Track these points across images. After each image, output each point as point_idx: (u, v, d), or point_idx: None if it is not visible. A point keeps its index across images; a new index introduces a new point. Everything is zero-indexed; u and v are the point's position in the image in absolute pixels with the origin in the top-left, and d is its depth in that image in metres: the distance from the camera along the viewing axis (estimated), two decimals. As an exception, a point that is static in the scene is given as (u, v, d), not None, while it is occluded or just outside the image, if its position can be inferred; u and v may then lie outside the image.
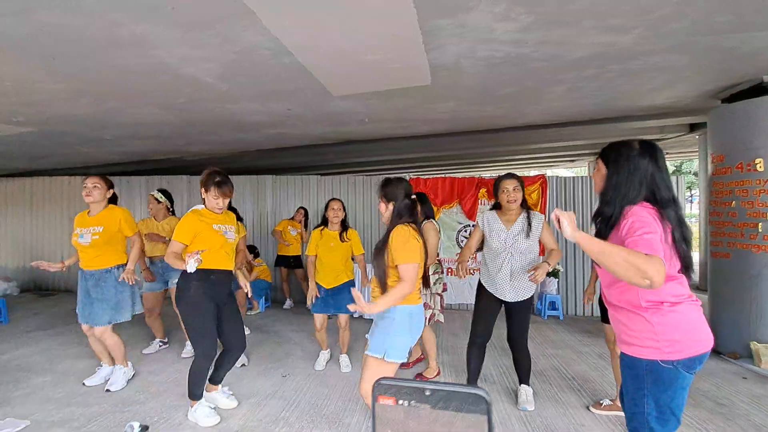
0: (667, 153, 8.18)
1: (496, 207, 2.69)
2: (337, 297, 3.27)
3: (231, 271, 2.57)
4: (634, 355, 1.35)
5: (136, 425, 0.90)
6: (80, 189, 7.96)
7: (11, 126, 3.61)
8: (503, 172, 2.77)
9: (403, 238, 1.84)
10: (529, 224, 2.57)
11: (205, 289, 2.41)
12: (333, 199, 3.32)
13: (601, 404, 2.68)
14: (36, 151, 4.97)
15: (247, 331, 4.36)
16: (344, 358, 3.47)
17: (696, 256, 9.68)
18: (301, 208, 5.65)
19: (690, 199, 21.09)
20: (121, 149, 5.01)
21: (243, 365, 3.46)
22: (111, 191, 2.98)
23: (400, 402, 0.31)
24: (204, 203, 2.52)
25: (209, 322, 2.44)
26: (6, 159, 5.48)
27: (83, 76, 2.53)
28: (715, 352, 3.73)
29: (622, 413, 2.53)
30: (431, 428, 0.30)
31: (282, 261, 5.59)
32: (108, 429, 2.44)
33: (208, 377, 2.60)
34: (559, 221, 1.27)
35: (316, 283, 3.29)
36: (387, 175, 2.04)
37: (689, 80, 3.30)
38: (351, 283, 3.33)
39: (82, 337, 4.27)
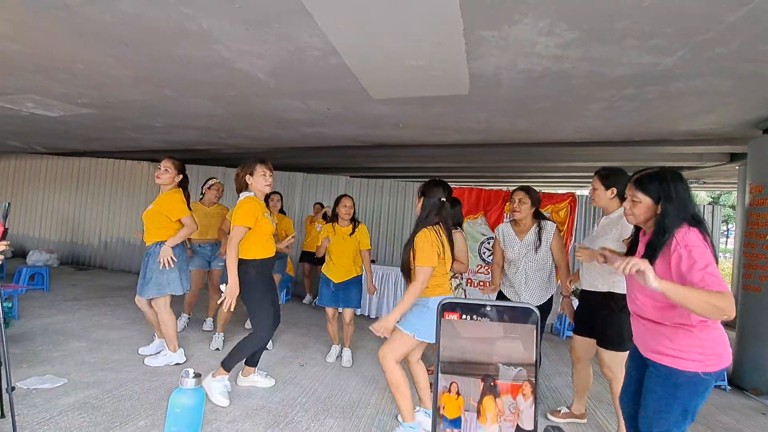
0: (704, 183, 7.91)
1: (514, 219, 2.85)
2: (346, 291, 3.39)
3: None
4: (677, 367, 1.45)
5: (191, 371, 1.01)
6: (123, 172, 8.38)
7: (74, 107, 3.92)
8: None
9: (425, 242, 2.06)
10: (539, 237, 2.69)
11: (265, 277, 2.61)
12: (344, 195, 3.40)
13: (559, 411, 2.75)
14: (90, 133, 5.33)
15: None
16: (347, 353, 3.53)
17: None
18: (317, 204, 5.77)
19: (726, 233, 20.16)
20: (167, 137, 5.31)
21: (267, 348, 3.62)
22: (180, 176, 3.04)
23: (464, 317, 0.39)
24: (250, 192, 2.61)
25: (270, 306, 2.62)
26: (63, 139, 5.90)
27: (148, 64, 2.75)
28: (738, 387, 3.63)
29: (580, 420, 2.67)
30: (490, 335, 0.38)
31: (306, 257, 5.74)
32: (137, 393, 2.60)
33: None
34: (637, 272, 1.28)
35: (326, 277, 3.39)
36: (419, 181, 2.28)
37: (730, 107, 3.26)
38: (359, 279, 3.45)
39: (116, 309, 4.54)
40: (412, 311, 2.14)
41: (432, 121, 3.99)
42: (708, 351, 1.45)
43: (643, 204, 1.53)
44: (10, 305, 3.83)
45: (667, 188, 1.49)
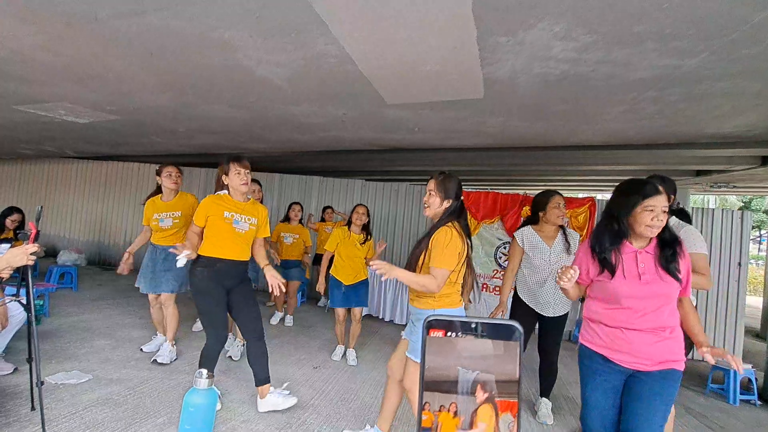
0: (734, 186, 7.60)
1: (532, 222, 2.70)
2: (356, 292, 3.61)
3: (241, 261, 2.49)
4: (681, 368, 1.52)
5: (204, 372, 1.04)
6: (147, 175, 8.63)
7: (103, 113, 4.10)
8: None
9: (446, 240, 1.82)
10: (568, 242, 2.65)
11: (211, 276, 2.39)
12: (360, 204, 3.63)
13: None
14: (118, 138, 5.55)
15: (290, 322, 4.63)
16: (351, 353, 3.70)
17: (758, 301, 8.83)
18: (328, 207, 5.80)
19: (759, 239, 19.26)
20: (189, 142, 5.47)
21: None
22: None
23: (449, 334, 0.40)
24: (227, 191, 2.49)
25: (217, 308, 2.42)
26: (92, 144, 6.16)
27: (172, 71, 2.85)
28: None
29: None
30: (474, 351, 0.39)
31: (320, 260, 5.80)
32: (156, 391, 2.69)
33: (215, 363, 2.46)
34: None
35: (337, 280, 3.57)
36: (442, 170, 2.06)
37: (760, 109, 3.12)
38: (366, 281, 3.70)
39: (138, 309, 4.70)
40: (417, 329, 1.96)
41: (447, 125, 3.97)
42: None
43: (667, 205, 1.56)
44: (41, 303, 4.03)
45: None
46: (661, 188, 1.54)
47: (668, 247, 1.53)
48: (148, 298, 3.38)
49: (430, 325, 0.40)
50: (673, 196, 2.15)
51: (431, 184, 1.97)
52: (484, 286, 5.17)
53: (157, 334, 3.50)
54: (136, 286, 3.34)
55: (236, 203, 2.47)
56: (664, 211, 1.51)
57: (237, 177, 2.43)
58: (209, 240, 2.42)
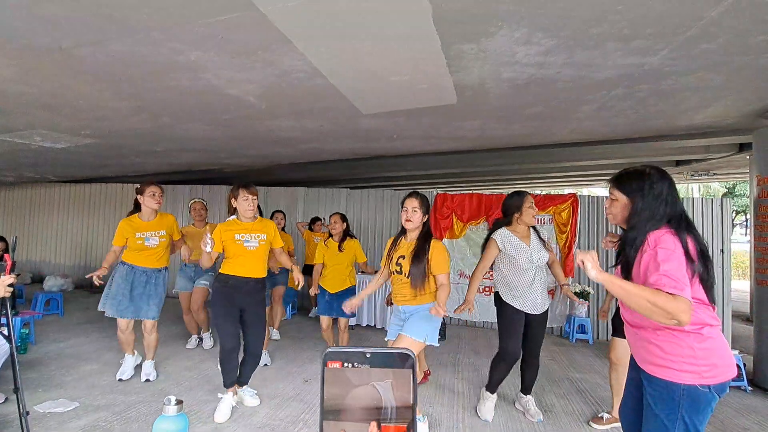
0: (714, 174, 7.73)
1: (506, 224, 2.70)
2: (340, 301, 3.44)
3: (254, 278, 2.71)
4: (671, 380, 1.34)
5: (173, 399, 1.04)
6: (131, 195, 8.54)
7: (79, 138, 4.07)
8: (535, 190, 2.85)
9: (445, 253, 2.35)
10: (540, 237, 2.72)
11: (223, 292, 2.67)
12: (333, 213, 3.71)
13: (602, 418, 2.66)
14: (97, 161, 5.50)
15: (277, 336, 4.58)
16: None
17: (746, 285, 8.98)
18: (317, 219, 5.79)
19: (745, 223, 19.61)
20: (170, 160, 5.45)
21: (265, 365, 3.65)
22: None
23: (346, 365, 0.42)
24: (236, 214, 2.74)
25: (225, 321, 2.67)
26: (72, 167, 6.10)
27: (143, 95, 2.85)
28: (760, 387, 3.50)
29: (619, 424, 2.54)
30: (370, 381, 0.41)
31: (309, 270, 5.78)
32: (144, 415, 2.66)
33: (234, 369, 2.74)
34: (583, 263, 1.28)
35: (322, 288, 3.64)
36: (421, 188, 2.40)
37: (728, 100, 3.20)
38: (352, 289, 3.63)
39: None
40: (414, 318, 2.36)
41: (426, 131, 4.01)
42: (701, 361, 1.32)
43: (619, 202, 1.46)
44: (27, 331, 3.96)
45: (641, 185, 1.40)
46: (614, 176, 1.53)
47: (624, 234, 1.44)
48: (118, 323, 3.19)
49: (328, 357, 0.41)
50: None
51: (416, 203, 2.37)
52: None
53: (125, 357, 3.35)
54: (100, 310, 3.19)
55: (244, 225, 2.72)
56: (611, 199, 1.50)
57: (245, 203, 2.66)
58: (226, 260, 2.72)
